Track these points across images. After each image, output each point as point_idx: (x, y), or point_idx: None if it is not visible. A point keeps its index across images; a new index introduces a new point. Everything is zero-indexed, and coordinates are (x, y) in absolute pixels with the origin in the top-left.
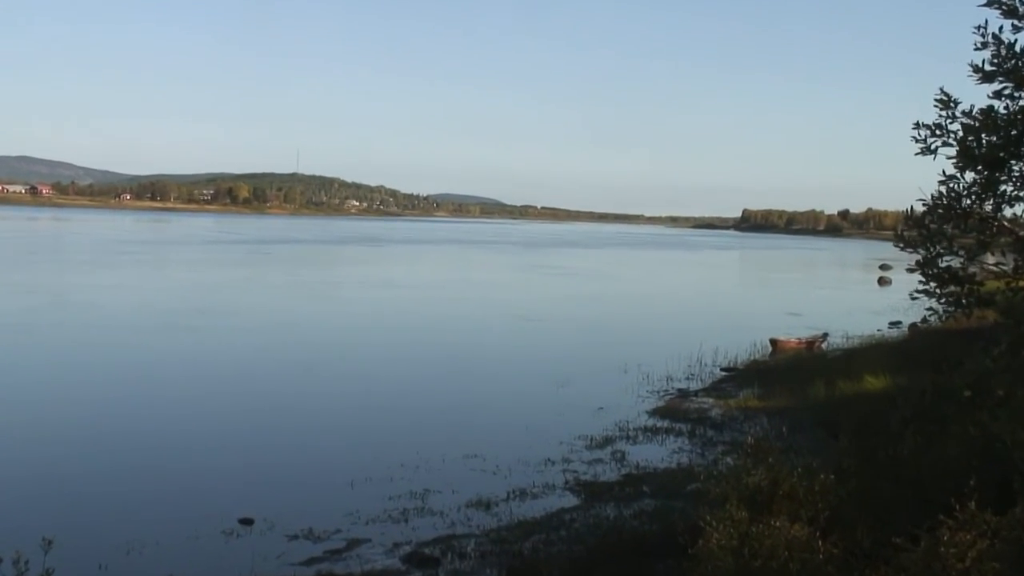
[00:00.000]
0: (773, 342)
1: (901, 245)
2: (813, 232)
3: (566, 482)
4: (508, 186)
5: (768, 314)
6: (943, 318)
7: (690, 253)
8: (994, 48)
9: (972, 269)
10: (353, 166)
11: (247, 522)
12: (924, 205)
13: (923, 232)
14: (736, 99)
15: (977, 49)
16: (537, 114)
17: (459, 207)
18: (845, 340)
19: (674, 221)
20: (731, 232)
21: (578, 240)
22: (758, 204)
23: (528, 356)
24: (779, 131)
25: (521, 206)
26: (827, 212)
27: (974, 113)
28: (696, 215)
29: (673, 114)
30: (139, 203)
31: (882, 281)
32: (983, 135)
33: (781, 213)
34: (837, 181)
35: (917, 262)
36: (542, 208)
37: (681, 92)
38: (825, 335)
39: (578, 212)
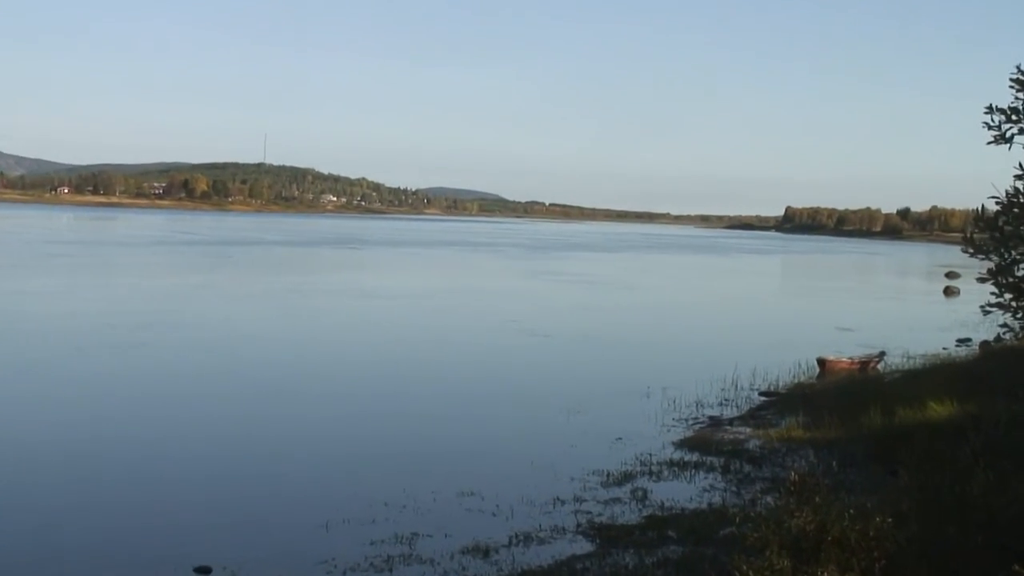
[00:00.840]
0: (821, 362)
1: (970, 250)
2: (868, 234)
3: (578, 525)
4: (511, 180)
5: (815, 329)
6: (1020, 336)
7: (724, 258)
8: None
9: None
10: (330, 155)
11: (204, 571)
12: (997, 203)
13: (996, 235)
14: (775, 85)
15: None
16: (545, 98)
17: (454, 203)
18: (905, 360)
19: (705, 221)
20: (771, 233)
21: (592, 242)
22: (803, 201)
23: (534, 377)
24: (827, 120)
25: (526, 203)
26: (884, 211)
27: None
28: (731, 213)
29: (704, 100)
30: (79, 198)
31: (948, 292)
32: None
33: (831, 212)
34: (895, 175)
35: (989, 270)
36: (550, 205)
37: (714, 77)
38: (882, 354)
39: (592, 210)
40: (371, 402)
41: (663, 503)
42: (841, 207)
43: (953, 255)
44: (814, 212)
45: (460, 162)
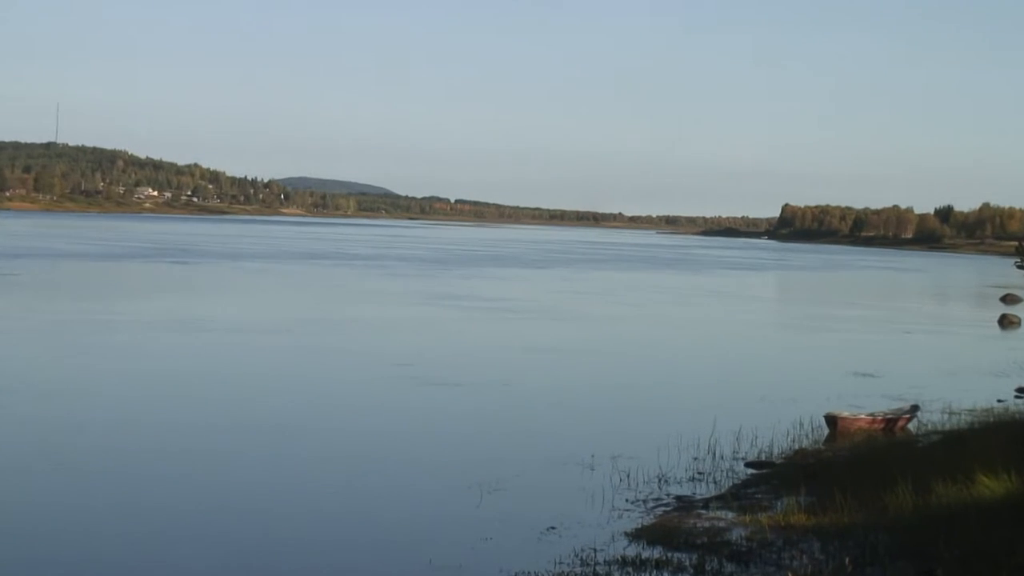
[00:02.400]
0: (831, 420)
1: None
2: (895, 242)
3: None
4: (403, 169)
5: (823, 376)
6: None
7: (698, 276)
8: None
9: None
10: (149, 134)
11: None
12: None
13: None
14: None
15: None
16: (451, 58)
17: (323, 200)
18: (947, 417)
19: (671, 224)
20: (763, 241)
21: (515, 254)
22: (806, 197)
23: (434, 444)
24: (837, 91)
25: (423, 199)
26: (917, 210)
27: None
28: (707, 214)
29: (668, 65)
30: None
31: (1007, 322)
32: None
33: (844, 211)
34: (933, 162)
35: None
36: (457, 203)
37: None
38: (914, 409)
39: (515, 209)
40: (195, 487)
41: None
42: (859, 205)
43: (1013, 271)
44: (821, 212)
45: (333, 145)
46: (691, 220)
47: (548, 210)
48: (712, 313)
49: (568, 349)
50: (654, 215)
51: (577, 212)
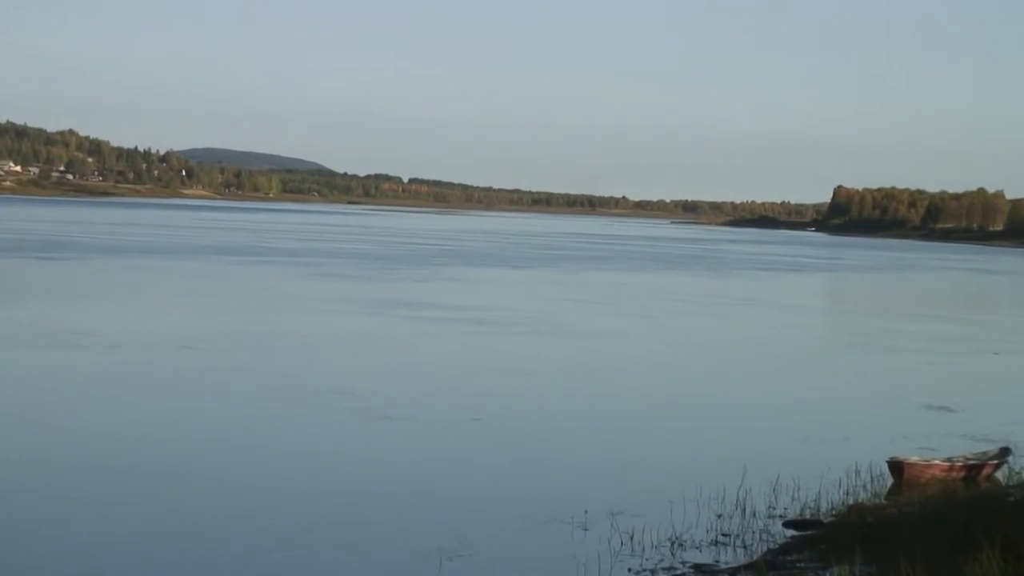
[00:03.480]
0: (896, 467)
1: None
2: (981, 235)
3: None
4: (343, 140)
5: (887, 409)
6: None
7: (724, 279)
8: None
9: None
10: (9, 93)
11: None
12: None
13: None
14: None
15: None
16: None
17: (236, 178)
18: None
19: (689, 211)
20: (809, 234)
21: (488, 250)
22: (865, 178)
23: (379, 497)
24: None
25: (369, 178)
26: (1009, 195)
27: None
28: (737, 198)
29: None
30: None
31: None
32: None
33: (914, 196)
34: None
35: None
36: (412, 184)
37: None
38: (1004, 453)
39: (489, 192)
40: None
41: None
42: (932, 187)
43: None
44: (884, 196)
45: (250, 108)
46: (715, 207)
47: (531, 193)
48: (741, 328)
49: (555, 374)
50: (668, 200)
51: (568, 196)
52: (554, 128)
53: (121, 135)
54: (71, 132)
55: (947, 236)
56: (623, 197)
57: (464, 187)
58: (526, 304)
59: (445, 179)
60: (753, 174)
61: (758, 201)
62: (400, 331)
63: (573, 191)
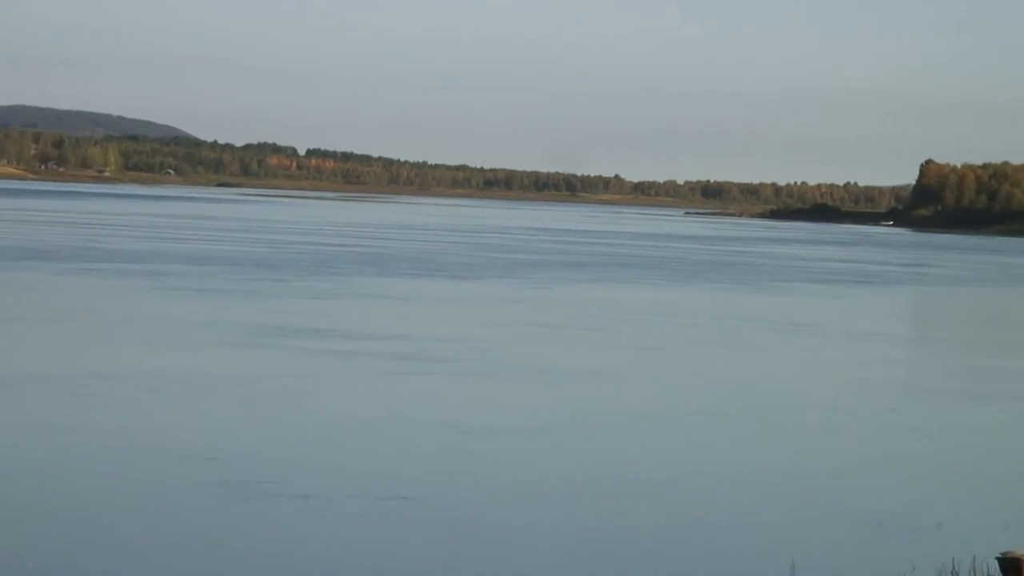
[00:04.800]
0: (1011, 565)
1: None
2: None
3: None
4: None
5: (994, 484)
6: None
7: (761, 294)
8: None
9: None
10: None
11: None
12: None
13: None
14: None
15: None
16: None
17: (57, 148)
18: None
19: (711, 196)
20: (884, 230)
21: (421, 253)
22: (965, 149)
23: None
24: None
25: (247, 149)
26: None
27: None
28: (780, 179)
29: None
30: None
31: None
32: None
33: None
34: None
35: None
36: (311, 158)
37: None
38: None
39: (422, 169)
40: None
41: None
42: None
43: None
44: (993, 176)
45: (78, 53)
46: (748, 190)
47: (483, 171)
48: (786, 367)
49: (512, 435)
50: (680, 181)
51: (537, 175)
52: (516, 81)
53: None
54: None
55: None
56: (616, 177)
57: (387, 162)
58: (472, 332)
59: (359, 150)
60: (801, 143)
61: (810, 183)
62: (287, 372)
63: (544, 168)
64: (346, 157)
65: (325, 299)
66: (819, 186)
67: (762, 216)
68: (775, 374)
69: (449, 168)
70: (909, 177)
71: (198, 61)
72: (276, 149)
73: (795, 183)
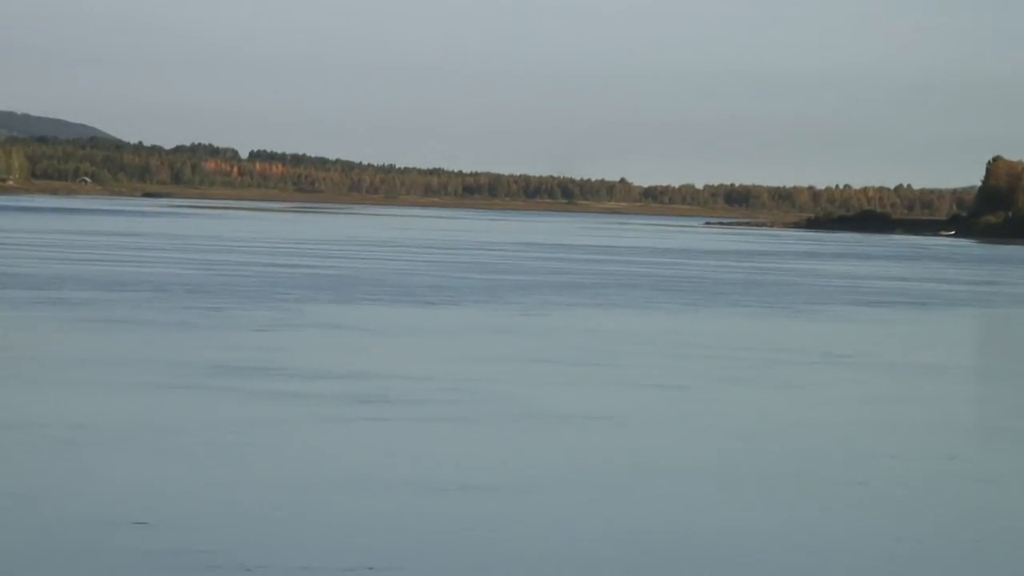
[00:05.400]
0: None
1: None
2: None
3: None
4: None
5: None
6: None
7: (796, 319)
8: None
9: None
10: None
11: None
12: None
13: None
14: None
15: None
16: None
17: None
18: None
19: (737, 203)
20: (945, 241)
21: (388, 275)
22: None
23: None
24: None
25: (181, 151)
26: None
27: None
28: (819, 181)
29: None
30: None
31: None
32: None
33: None
34: None
35: None
36: (254, 161)
37: None
38: None
39: (388, 174)
40: None
41: None
42: None
43: None
44: None
45: None
46: (780, 195)
47: (463, 176)
48: (827, 407)
49: (500, 491)
50: (698, 185)
51: (528, 180)
52: (499, 68)
53: None
54: None
55: None
56: (621, 181)
57: (346, 166)
58: (448, 369)
59: (313, 152)
60: (844, 139)
61: (855, 186)
62: (226, 419)
63: (535, 171)
64: (297, 160)
65: (271, 331)
66: (866, 190)
67: (797, 226)
68: (815, 416)
69: (421, 172)
70: (973, 178)
71: (118, 48)
72: (213, 151)
73: (836, 186)
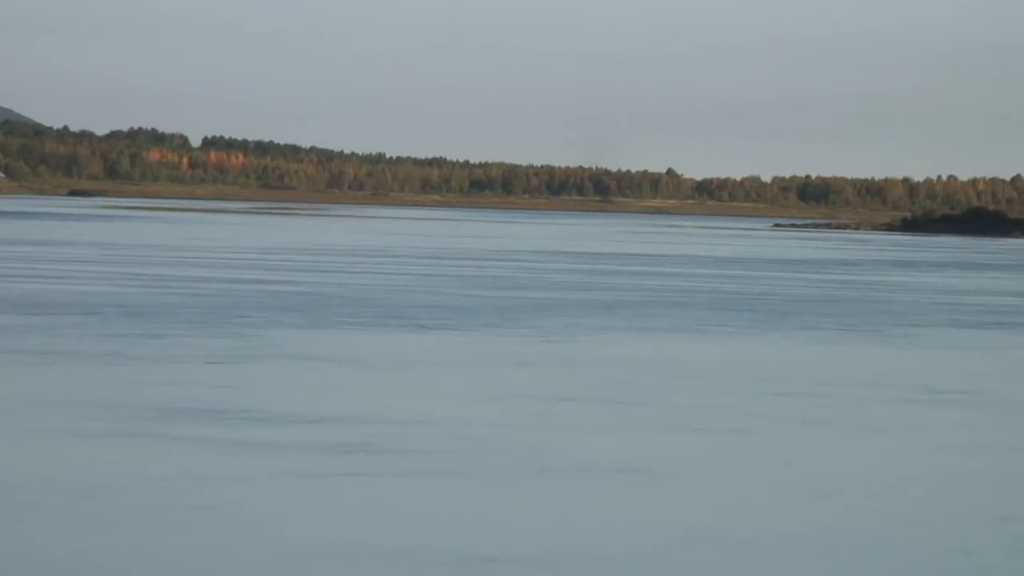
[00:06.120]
0: None
1: None
2: None
3: None
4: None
5: None
6: None
7: (894, 346)
8: None
9: None
10: None
11: None
12: None
13: None
14: None
15: None
16: None
17: None
18: None
19: (820, 202)
20: None
21: (381, 292)
22: None
23: None
24: None
25: (116, 137)
26: None
27: None
28: (921, 172)
29: None
30: None
31: None
32: None
33: None
34: None
35: None
36: (209, 150)
37: None
38: None
39: (378, 163)
40: None
41: None
42: None
43: None
44: None
45: None
46: (868, 189)
47: (470, 167)
48: (930, 456)
49: (518, 564)
50: (765, 177)
51: (552, 172)
52: (516, 35)
53: None
54: None
55: None
56: (669, 173)
57: (323, 155)
58: (450, 411)
59: (281, 139)
60: (947, 120)
61: (961, 177)
62: (174, 474)
63: (561, 162)
64: (262, 149)
65: (226, 364)
66: (975, 182)
67: (890, 228)
68: (910, 469)
69: (417, 163)
70: None
71: (37, 8)
72: (157, 138)
73: (939, 178)
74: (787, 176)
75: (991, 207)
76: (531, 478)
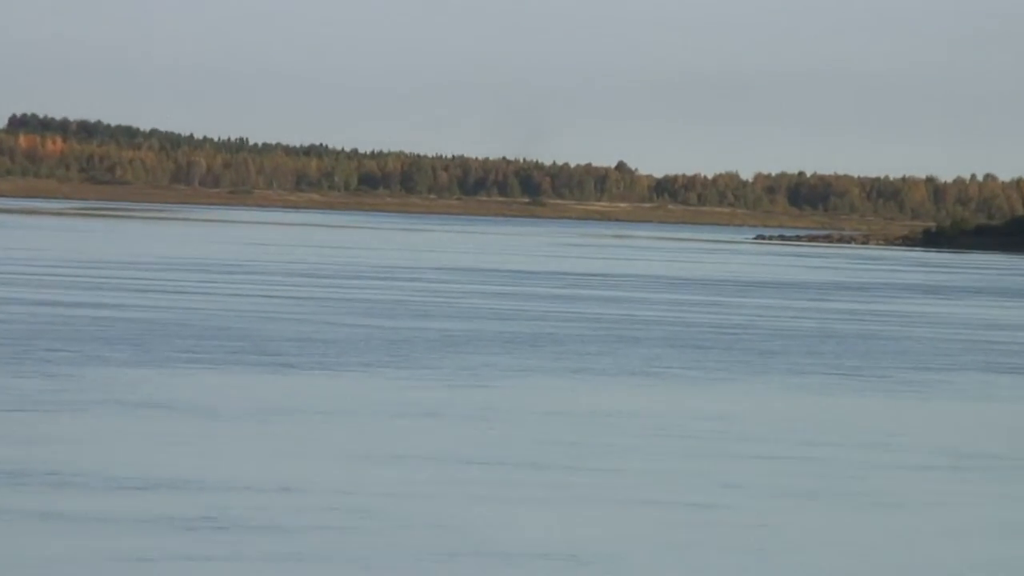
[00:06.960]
0: None
1: None
2: None
3: None
4: None
5: None
6: None
7: (909, 397)
8: None
9: None
10: None
11: None
12: None
13: None
14: None
15: None
16: None
17: None
18: None
19: (818, 208)
20: None
21: (236, 320)
22: None
23: None
24: None
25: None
26: None
27: None
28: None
29: None
30: None
31: None
32: None
33: None
34: None
35: None
36: (16, 133)
37: None
38: None
39: (238, 152)
40: None
41: None
42: None
43: None
44: None
45: None
46: (879, 191)
47: (358, 158)
48: (952, 537)
49: None
50: (745, 174)
51: (466, 164)
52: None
53: None
54: None
55: None
56: (618, 167)
57: (169, 141)
58: (325, 475)
59: (115, 119)
60: (978, 102)
61: (1001, 177)
62: None
63: (479, 153)
64: (88, 131)
65: (30, 411)
66: (1019, 183)
67: (908, 242)
68: (933, 557)
69: (290, 152)
70: None
71: None
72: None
73: (972, 178)
74: (774, 174)
75: None
76: (432, 566)
